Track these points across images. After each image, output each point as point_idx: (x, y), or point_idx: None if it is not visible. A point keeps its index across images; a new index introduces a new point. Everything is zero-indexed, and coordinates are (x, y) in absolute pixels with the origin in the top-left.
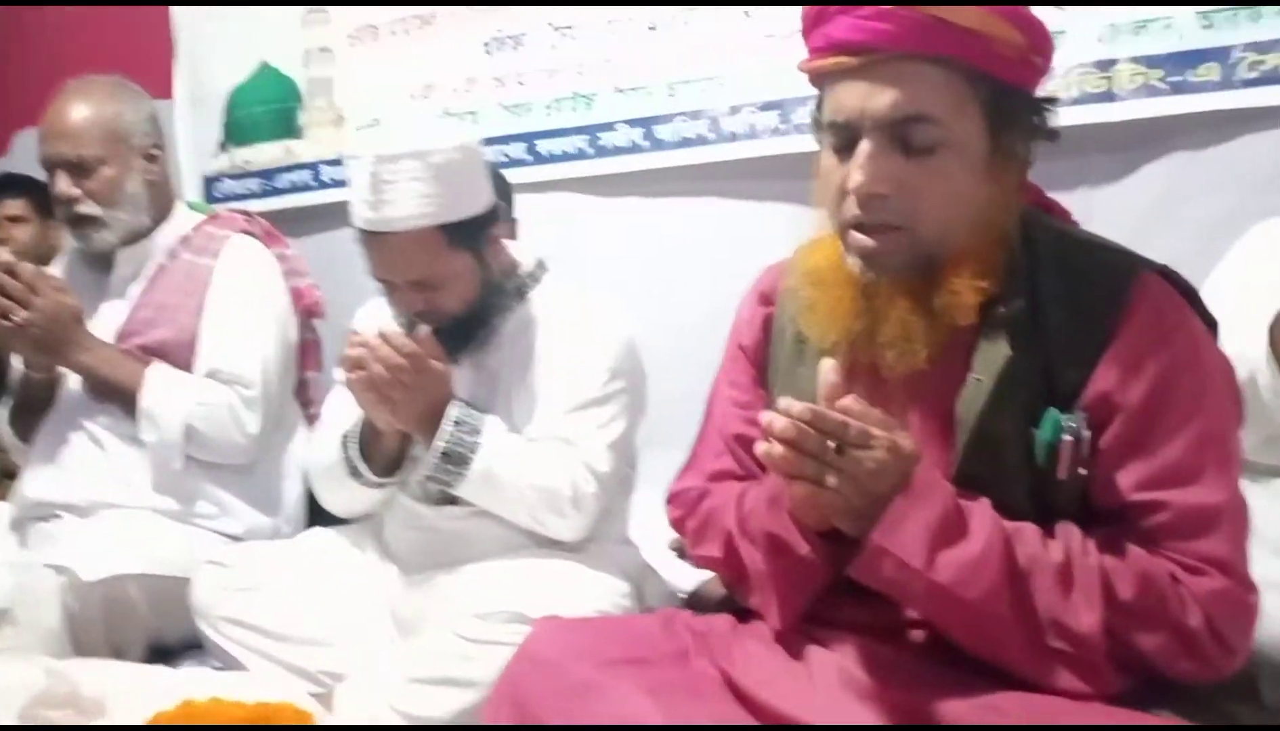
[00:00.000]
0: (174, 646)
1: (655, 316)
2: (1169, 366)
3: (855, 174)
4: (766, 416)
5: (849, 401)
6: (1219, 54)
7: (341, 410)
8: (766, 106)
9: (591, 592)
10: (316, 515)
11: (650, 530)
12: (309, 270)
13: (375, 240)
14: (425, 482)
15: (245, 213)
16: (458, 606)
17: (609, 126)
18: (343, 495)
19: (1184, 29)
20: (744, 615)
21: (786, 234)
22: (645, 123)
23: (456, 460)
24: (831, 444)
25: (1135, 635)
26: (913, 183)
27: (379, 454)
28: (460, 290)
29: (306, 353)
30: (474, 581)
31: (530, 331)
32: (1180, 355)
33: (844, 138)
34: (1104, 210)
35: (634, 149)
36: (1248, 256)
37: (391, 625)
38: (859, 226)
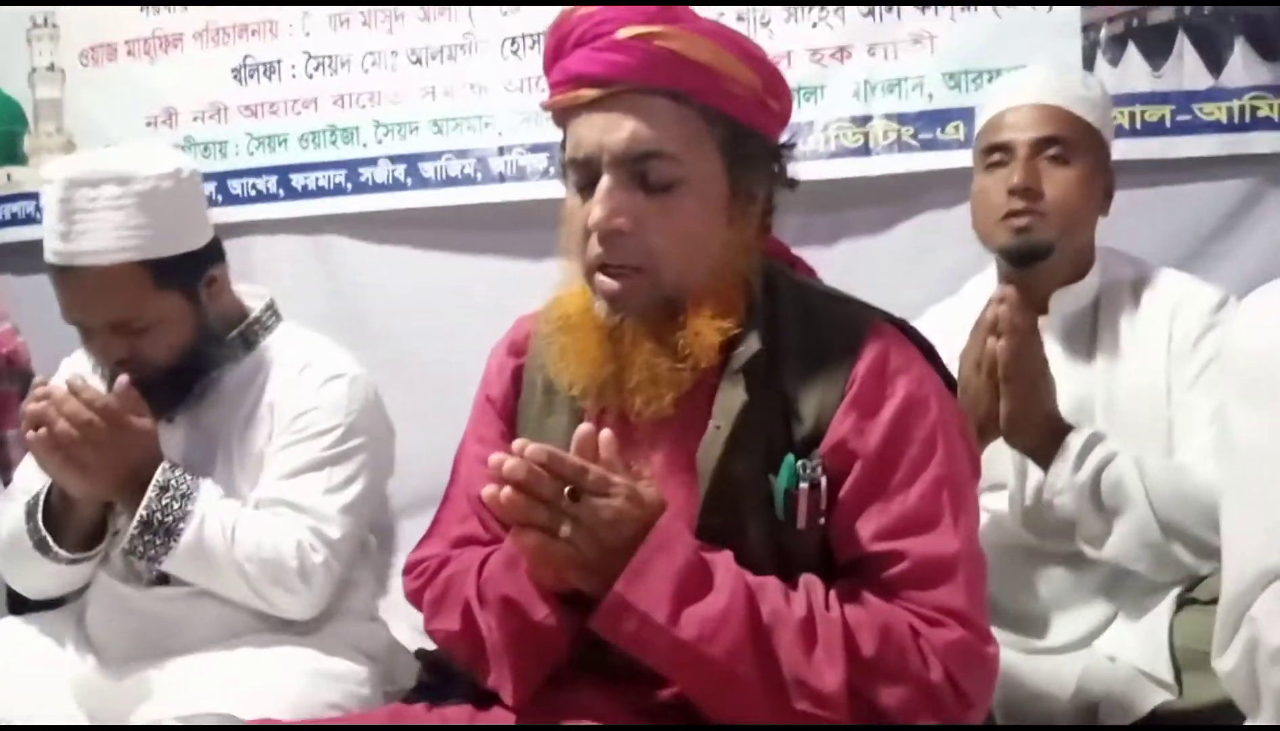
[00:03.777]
0: None
1: (419, 365)
2: (900, 410)
3: (595, 210)
4: (496, 457)
5: (605, 439)
6: (964, 114)
7: (35, 473)
8: (535, 149)
9: (320, 684)
10: (18, 599)
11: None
12: (7, 313)
13: (67, 276)
14: (128, 558)
15: None
16: (161, 706)
17: (370, 162)
18: (31, 573)
19: (933, 89)
20: (485, 701)
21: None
22: (409, 159)
23: (163, 531)
24: (566, 490)
25: (877, 691)
26: (651, 219)
27: (73, 524)
28: (169, 337)
29: (4, 408)
30: (182, 676)
31: (256, 385)
32: (911, 399)
33: (585, 175)
34: (861, 263)
35: (397, 186)
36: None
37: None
38: (603, 268)
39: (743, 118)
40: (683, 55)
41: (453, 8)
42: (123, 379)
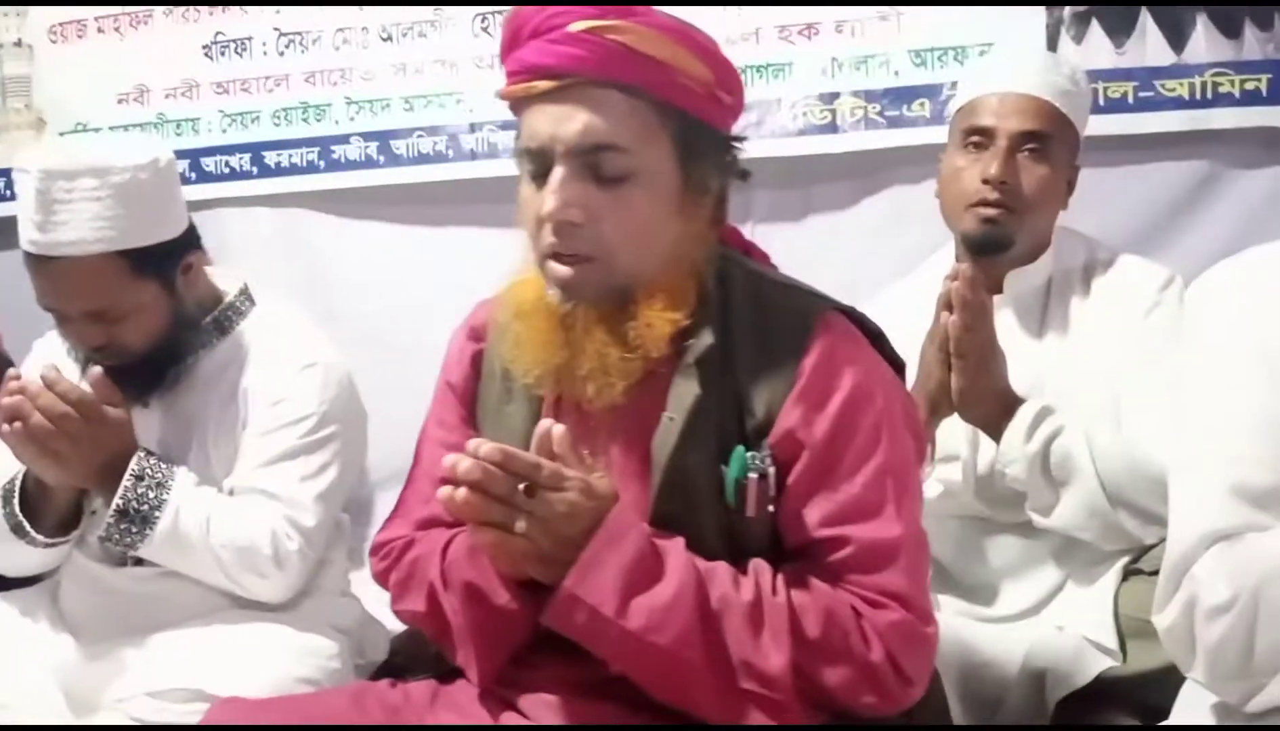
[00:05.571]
0: None
1: (393, 341)
2: (846, 402)
3: (548, 200)
4: (450, 459)
5: (559, 433)
6: (930, 91)
7: (11, 458)
8: (506, 126)
9: (293, 659)
10: None
11: None
12: None
13: (44, 265)
14: (104, 545)
15: None
16: (133, 682)
17: (342, 139)
18: (8, 555)
19: (899, 66)
20: (449, 676)
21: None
22: (381, 137)
23: (138, 519)
24: (522, 486)
25: (821, 671)
26: (604, 211)
27: (50, 509)
28: (145, 324)
29: None
30: (155, 653)
31: (231, 370)
32: (857, 391)
33: (539, 165)
34: (829, 238)
35: (369, 163)
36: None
37: (64, 706)
38: (556, 256)
39: (695, 111)
40: (635, 49)
41: None
42: (95, 370)
